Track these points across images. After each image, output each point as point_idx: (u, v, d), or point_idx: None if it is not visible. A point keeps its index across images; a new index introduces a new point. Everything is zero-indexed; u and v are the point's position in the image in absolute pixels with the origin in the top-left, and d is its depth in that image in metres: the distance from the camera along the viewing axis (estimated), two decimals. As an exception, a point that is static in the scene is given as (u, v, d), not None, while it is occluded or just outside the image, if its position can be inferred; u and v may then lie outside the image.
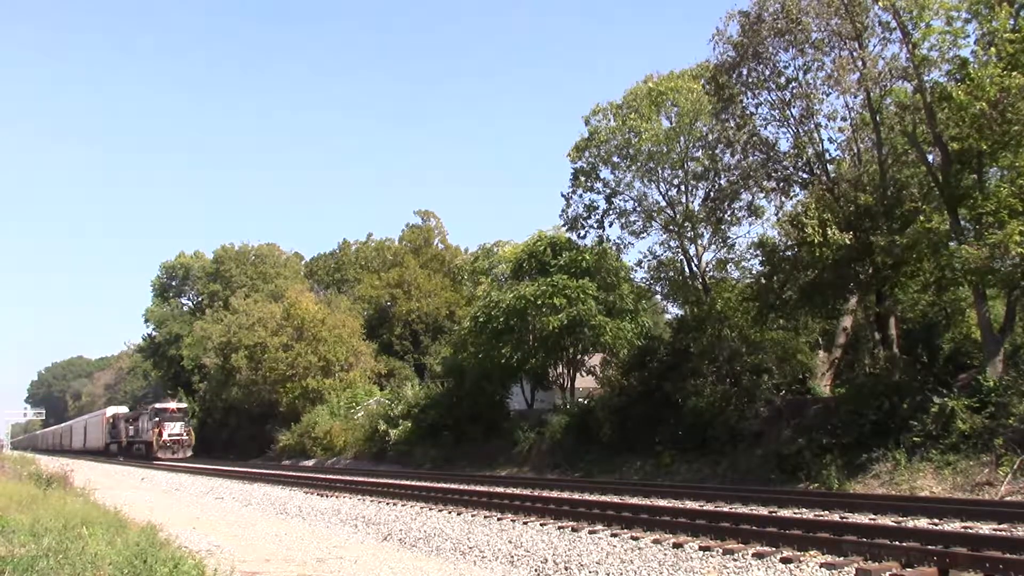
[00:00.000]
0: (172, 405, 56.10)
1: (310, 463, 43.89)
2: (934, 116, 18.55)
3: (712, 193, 28.20)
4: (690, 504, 15.42)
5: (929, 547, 9.09)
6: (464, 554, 11.40)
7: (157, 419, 53.49)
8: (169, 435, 52.85)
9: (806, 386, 25.61)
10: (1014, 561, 8.19)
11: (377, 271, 68.02)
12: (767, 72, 22.06)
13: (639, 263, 32.23)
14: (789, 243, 22.85)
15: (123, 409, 71.69)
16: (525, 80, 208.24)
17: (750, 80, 22.33)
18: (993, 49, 17.68)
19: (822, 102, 21.92)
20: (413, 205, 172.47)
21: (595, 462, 26.41)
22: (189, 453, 53.62)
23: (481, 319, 34.01)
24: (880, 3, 19.01)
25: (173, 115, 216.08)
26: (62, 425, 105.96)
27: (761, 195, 25.36)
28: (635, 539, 11.23)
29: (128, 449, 60.77)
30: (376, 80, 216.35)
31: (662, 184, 30.31)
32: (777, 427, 21.99)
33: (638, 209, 30.99)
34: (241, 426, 61.85)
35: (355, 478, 24.14)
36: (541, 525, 13.12)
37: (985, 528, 11.20)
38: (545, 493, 18.43)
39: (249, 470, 33.23)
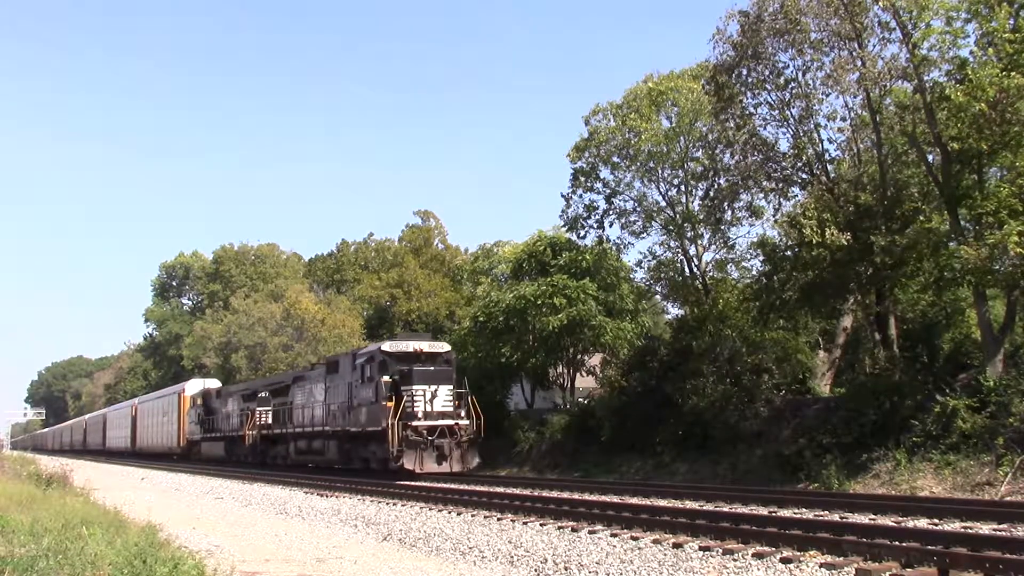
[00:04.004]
0: (422, 344, 24.98)
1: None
2: (934, 116, 18.56)
3: (712, 193, 28.25)
4: (690, 504, 15.42)
5: (929, 547, 9.08)
6: (464, 554, 11.40)
7: (393, 377, 23.45)
8: (428, 415, 22.63)
9: (806, 386, 25.62)
10: (1014, 561, 8.18)
11: (377, 271, 68.04)
12: (767, 72, 22.07)
13: (639, 263, 32.35)
14: (789, 243, 22.89)
15: (214, 383, 45.57)
16: (525, 80, 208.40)
17: (750, 80, 22.35)
18: (992, 49, 17.70)
19: (822, 102, 21.96)
20: (413, 205, 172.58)
21: (595, 462, 26.41)
22: (475, 460, 23.82)
23: (481, 319, 34.00)
24: (880, 3, 19.03)
25: (173, 115, 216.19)
26: (87, 417, 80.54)
27: (761, 195, 25.41)
28: (635, 539, 11.22)
29: (263, 452, 33.66)
30: (376, 80, 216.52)
31: (662, 184, 30.40)
32: (777, 427, 21.99)
33: (638, 209, 31.09)
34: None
35: (355, 478, 24.14)
36: (541, 525, 13.11)
37: (985, 528, 11.19)
38: (545, 493, 18.43)
39: (249, 470, 33.14)
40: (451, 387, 23.56)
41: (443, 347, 25.93)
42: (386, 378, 23.61)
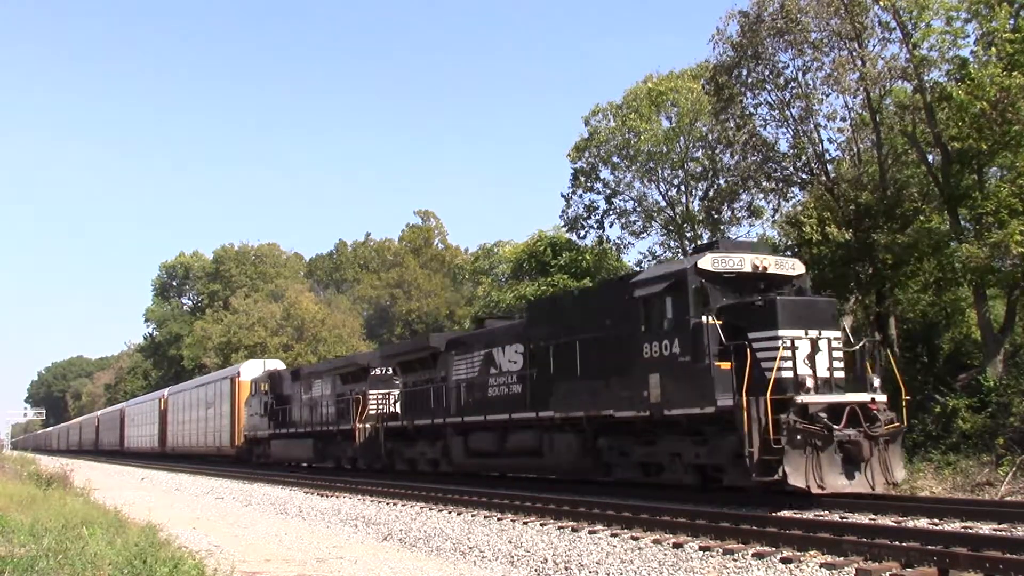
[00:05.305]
0: (766, 259, 13.37)
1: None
2: (934, 116, 18.59)
3: (712, 193, 28.28)
4: (690, 504, 15.40)
5: (929, 547, 9.08)
6: (464, 554, 11.40)
7: (722, 317, 12.45)
8: (819, 386, 11.92)
9: (806, 386, 25.59)
10: (1014, 561, 8.18)
11: (376, 271, 68.12)
12: (767, 72, 22.12)
13: (639, 263, 32.33)
14: (788, 243, 22.90)
15: (277, 363, 36.83)
16: (525, 80, 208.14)
17: (750, 80, 22.38)
18: (993, 49, 17.74)
19: (822, 102, 22.02)
20: (413, 205, 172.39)
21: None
22: (902, 469, 13.12)
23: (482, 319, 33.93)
24: (880, 3, 19.07)
25: (173, 115, 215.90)
26: (99, 413, 73.01)
27: (760, 196, 25.43)
28: (635, 539, 11.22)
29: (391, 453, 22.74)
30: (376, 80, 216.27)
31: (662, 184, 30.44)
32: (777, 427, 21.92)
33: (638, 209, 31.14)
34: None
35: (355, 478, 24.09)
36: (541, 525, 13.12)
37: (985, 528, 11.18)
38: (545, 493, 18.42)
39: (249, 470, 33.10)
40: (839, 334, 12.79)
41: (796, 266, 14.06)
42: (709, 319, 12.63)
